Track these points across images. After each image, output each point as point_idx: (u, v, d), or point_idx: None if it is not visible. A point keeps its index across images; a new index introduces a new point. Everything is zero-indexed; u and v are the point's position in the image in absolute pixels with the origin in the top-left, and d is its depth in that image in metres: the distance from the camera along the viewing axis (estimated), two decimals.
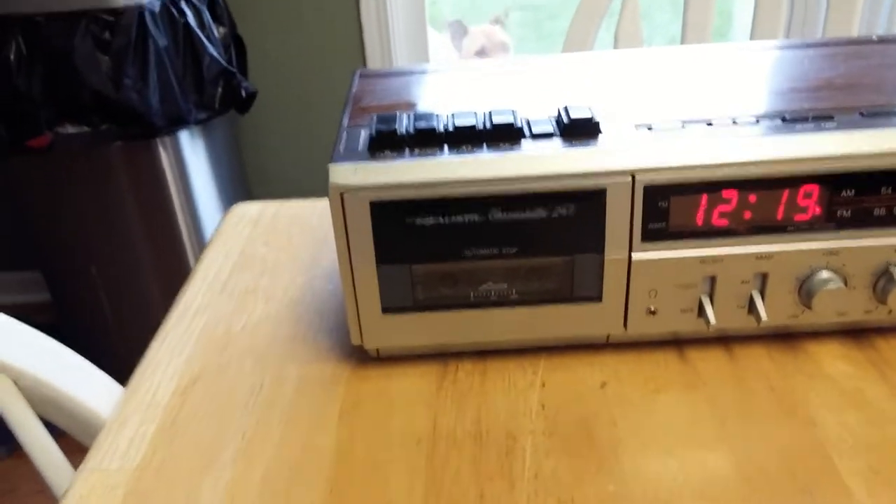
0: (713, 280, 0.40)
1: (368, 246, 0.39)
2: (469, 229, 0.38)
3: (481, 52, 2.26)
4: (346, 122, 0.43)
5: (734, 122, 0.39)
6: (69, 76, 1.30)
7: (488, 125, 0.39)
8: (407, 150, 0.39)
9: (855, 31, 0.82)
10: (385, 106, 0.45)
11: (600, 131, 0.39)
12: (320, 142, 1.76)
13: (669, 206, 0.38)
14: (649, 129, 0.39)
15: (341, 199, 0.38)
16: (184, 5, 1.39)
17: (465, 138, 0.39)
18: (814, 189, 0.38)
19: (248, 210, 0.61)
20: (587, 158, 0.38)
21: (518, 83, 0.48)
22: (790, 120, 0.39)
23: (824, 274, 0.39)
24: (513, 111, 0.40)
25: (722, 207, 0.39)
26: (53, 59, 1.30)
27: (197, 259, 1.58)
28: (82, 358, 0.44)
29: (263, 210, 0.61)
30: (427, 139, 0.39)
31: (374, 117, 0.41)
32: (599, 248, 0.39)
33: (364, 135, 0.41)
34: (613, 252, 0.39)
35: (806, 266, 0.39)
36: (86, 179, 1.43)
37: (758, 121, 0.39)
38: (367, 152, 0.39)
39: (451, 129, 0.39)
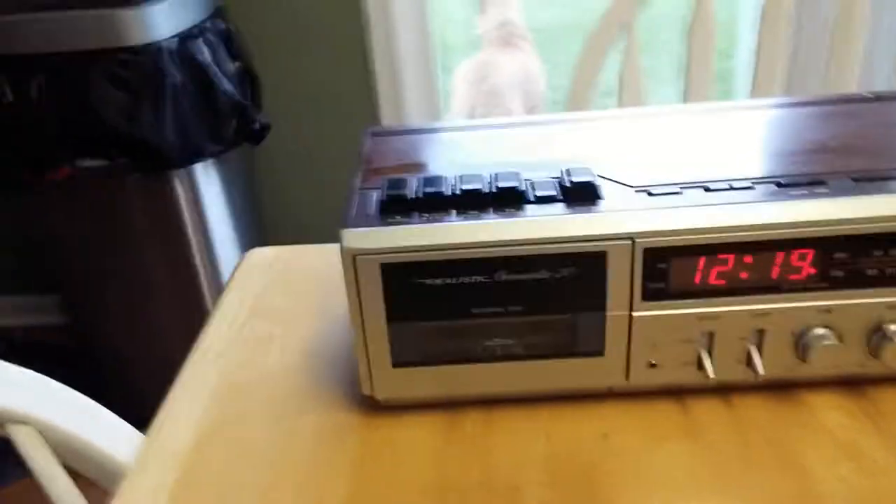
0: (711, 335, 0.42)
1: (379, 304, 0.41)
2: (476, 289, 0.40)
3: (501, 26, 2.18)
4: (357, 184, 0.45)
5: (731, 187, 0.41)
6: (87, 112, 1.33)
7: (493, 189, 0.41)
8: (416, 214, 0.41)
9: (854, 86, 0.84)
10: (395, 167, 0.47)
11: (601, 196, 0.41)
12: (333, 173, 1.79)
13: (668, 267, 0.40)
14: (649, 193, 0.41)
15: (354, 262, 0.40)
16: (200, 43, 1.43)
17: (471, 202, 0.41)
18: (808, 252, 0.39)
19: (263, 256, 0.64)
20: (588, 223, 0.39)
21: (523, 140, 0.50)
22: (784, 185, 0.41)
23: (819, 330, 0.41)
24: (517, 174, 0.42)
25: (719, 268, 0.40)
26: (71, 95, 1.33)
27: (213, 296, 1.60)
28: (105, 409, 0.46)
29: (277, 256, 0.63)
30: (435, 203, 0.41)
31: (385, 181, 0.43)
32: (601, 306, 0.41)
33: (375, 198, 0.43)
34: (615, 310, 0.41)
35: (801, 323, 0.41)
36: (104, 210, 1.47)
37: (753, 185, 0.41)
38: (378, 216, 0.41)
39: (457, 192, 0.41)
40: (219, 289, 1.58)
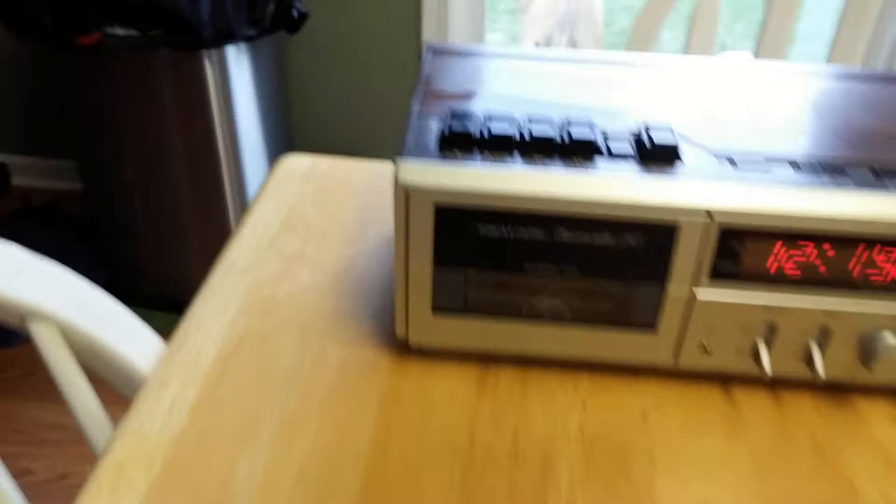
0: (774, 327, 0.39)
1: (427, 246, 0.38)
2: (531, 244, 0.37)
3: None
4: (416, 108, 0.41)
5: (822, 168, 0.37)
6: None
7: (565, 138, 0.38)
8: (478, 153, 0.38)
9: None
10: (457, 94, 0.43)
11: (680, 159, 0.38)
12: (368, 70, 1.73)
13: (742, 249, 0.37)
14: (732, 162, 0.38)
15: (406, 198, 0.37)
16: None
17: (539, 148, 0.38)
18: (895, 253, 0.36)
19: (298, 164, 0.61)
20: (664, 190, 0.36)
21: (596, 80, 0.46)
22: (880, 174, 0.37)
23: (890, 338, 0.38)
24: (591, 123, 0.39)
25: (796, 258, 0.37)
26: None
27: (232, 187, 1.56)
28: (128, 310, 0.45)
29: (314, 166, 0.60)
30: (500, 144, 0.38)
31: (449, 111, 0.39)
32: (663, 280, 0.38)
33: (435, 128, 0.39)
34: (677, 286, 0.38)
35: (873, 327, 0.38)
36: (130, 82, 1.42)
37: (846, 169, 0.37)
38: (438, 150, 0.38)
39: (526, 136, 0.38)
40: (239, 180, 1.55)
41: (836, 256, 0.37)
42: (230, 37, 1.39)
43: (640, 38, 0.84)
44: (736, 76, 0.47)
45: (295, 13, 1.47)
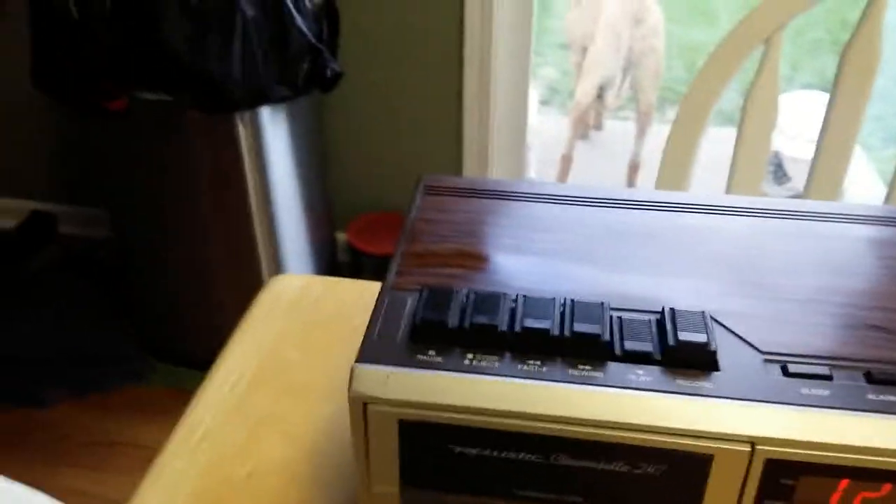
0: None
1: (392, 465, 0.31)
2: (523, 467, 0.30)
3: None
4: (392, 276, 0.34)
5: None
6: (153, 40, 1.25)
7: (567, 332, 0.30)
8: (457, 351, 0.30)
9: None
10: (443, 255, 0.36)
11: (717, 367, 0.29)
12: (406, 129, 1.68)
13: (796, 485, 0.28)
14: (784, 370, 0.29)
15: (364, 411, 0.29)
16: None
17: (533, 345, 0.30)
18: None
19: (288, 287, 0.54)
20: (693, 411, 0.28)
21: (620, 231, 0.38)
22: None
23: None
24: (601, 309, 0.31)
25: (866, 495, 0.28)
26: (139, 20, 1.25)
27: (265, 248, 1.49)
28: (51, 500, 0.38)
29: (306, 290, 0.54)
30: (484, 339, 0.30)
31: (425, 293, 0.32)
32: None
33: (408, 310, 0.32)
34: None
35: None
36: (160, 144, 1.39)
37: None
38: (407, 345, 0.30)
39: (517, 329, 0.30)
40: (273, 242, 1.51)
41: None
42: (263, 98, 1.35)
43: (688, 115, 0.76)
44: (800, 227, 0.39)
45: (329, 72, 1.43)
